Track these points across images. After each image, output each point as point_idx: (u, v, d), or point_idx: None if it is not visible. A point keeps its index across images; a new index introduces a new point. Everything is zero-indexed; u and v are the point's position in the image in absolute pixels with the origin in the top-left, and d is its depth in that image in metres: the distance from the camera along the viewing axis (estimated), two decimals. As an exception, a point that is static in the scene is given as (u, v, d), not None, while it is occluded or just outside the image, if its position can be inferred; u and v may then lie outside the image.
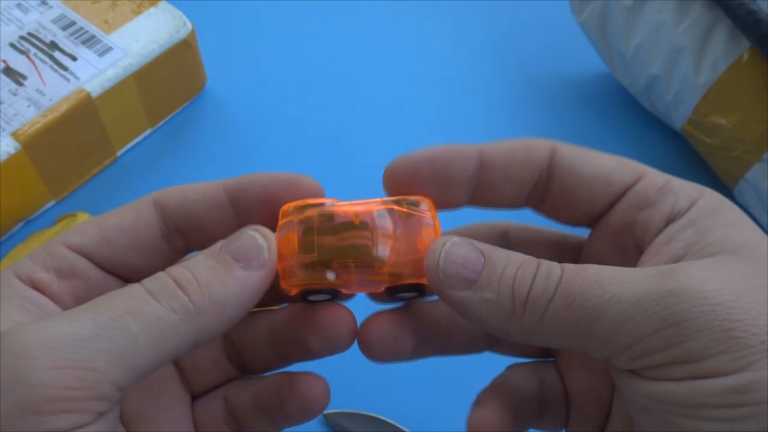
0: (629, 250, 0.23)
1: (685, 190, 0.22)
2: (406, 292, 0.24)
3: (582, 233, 0.26)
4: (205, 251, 0.22)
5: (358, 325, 0.25)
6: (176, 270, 0.21)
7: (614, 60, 0.51)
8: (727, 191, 0.47)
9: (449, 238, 0.22)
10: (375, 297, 0.25)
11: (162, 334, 0.20)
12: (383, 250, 0.22)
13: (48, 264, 0.22)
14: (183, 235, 0.24)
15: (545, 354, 0.27)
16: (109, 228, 0.23)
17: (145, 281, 0.21)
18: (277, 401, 0.25)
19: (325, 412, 0.39)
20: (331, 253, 0.22)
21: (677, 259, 0.21)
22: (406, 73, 0.55)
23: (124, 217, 0.24)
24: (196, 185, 0.24)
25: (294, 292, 0.23)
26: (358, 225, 0.23)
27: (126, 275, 0.24)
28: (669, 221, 0.22)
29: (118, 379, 0.19)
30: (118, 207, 0.24)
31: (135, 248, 0.24)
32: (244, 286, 0.21)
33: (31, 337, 0.19)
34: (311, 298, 0.24)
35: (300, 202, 0.23)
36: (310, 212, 0.23)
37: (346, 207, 0.23)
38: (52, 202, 0.47)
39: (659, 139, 0.52)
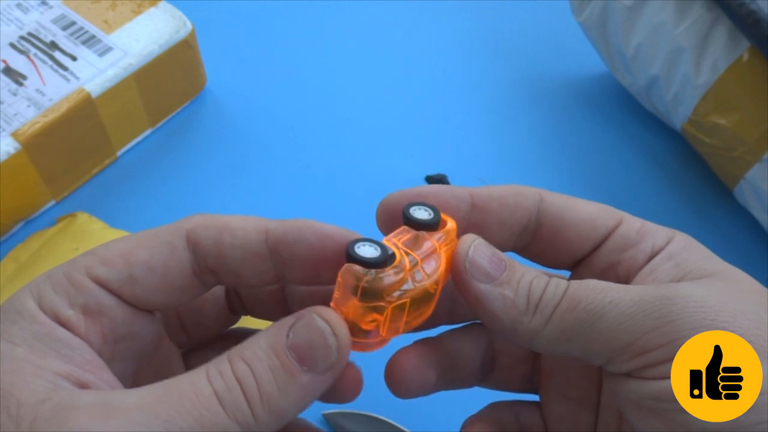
0: None
1: (660, 231, 0.25)
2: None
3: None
4: (269, 340, 0.21)
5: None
6: (241, 369, 0.20)
7: (614, 60, 0.51)
8: (727, 191, 0.48)
9: (476, 236, 0.24)
10: None
11: None
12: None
13: (73, 299, 0.21)
14: (215, 275, 0.23)
15: (527, 390, 0.28)
16: (137, 264, 0.22)
17: (212, 377, 0.20)
18: None
19: (325, 412, 0.39)
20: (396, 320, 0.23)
21: None
22: (406, 73, 0.55)
23: (155, 254, 0.22)
24: (235, 223, 0.23)
25: None
26: (424, 296, 0.23)
27: (152, 308, 0.23)
28: (650, 258, 0.24)
29: None
30: (147, 232, 0.23)
31: (164, 288, 0.23)
32: (305, 393, 0.21)
33: None
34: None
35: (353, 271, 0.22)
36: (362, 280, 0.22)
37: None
38: (52, 202, 0.47)
39: (659, 139, 0.52)
